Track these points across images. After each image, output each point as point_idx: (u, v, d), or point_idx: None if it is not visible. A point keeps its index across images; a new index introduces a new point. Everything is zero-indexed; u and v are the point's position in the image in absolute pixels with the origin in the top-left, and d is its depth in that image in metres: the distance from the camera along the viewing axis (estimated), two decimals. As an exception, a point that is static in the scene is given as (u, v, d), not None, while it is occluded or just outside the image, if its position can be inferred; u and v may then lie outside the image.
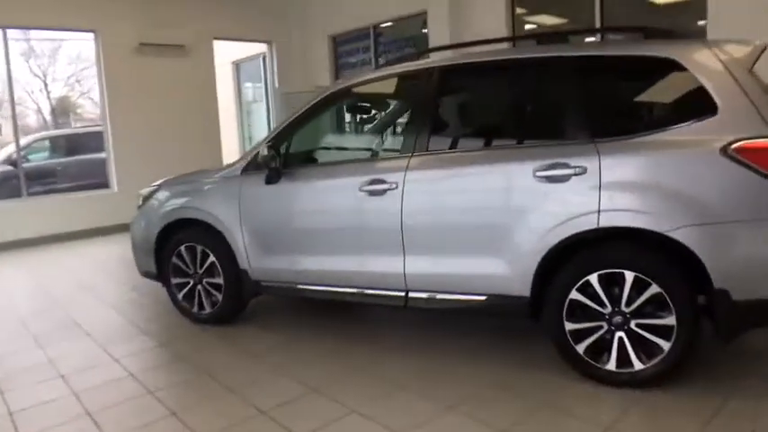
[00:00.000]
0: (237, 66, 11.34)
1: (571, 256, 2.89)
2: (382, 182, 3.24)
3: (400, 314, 3.94)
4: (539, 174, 2.87)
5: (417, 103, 3.39)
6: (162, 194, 4.22)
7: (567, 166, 2.82)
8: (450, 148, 3.29)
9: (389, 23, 9.02)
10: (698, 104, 2.69)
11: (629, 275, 2.75)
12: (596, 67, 3.01)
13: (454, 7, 7.63)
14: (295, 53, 10.10)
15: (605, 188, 2.75)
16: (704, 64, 2.73)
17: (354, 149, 4.19)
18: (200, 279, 4.02)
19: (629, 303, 2.77)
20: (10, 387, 3.22)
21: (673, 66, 2.78)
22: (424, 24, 8.31)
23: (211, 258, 3.92)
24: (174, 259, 4.10)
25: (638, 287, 2.74)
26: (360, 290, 3.43)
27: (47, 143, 9.29)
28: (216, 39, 9.19)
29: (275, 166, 3.54)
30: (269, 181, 3.59)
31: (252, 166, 3.77)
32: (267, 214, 3.68)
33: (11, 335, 4.14)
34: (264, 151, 3.45)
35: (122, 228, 8.26)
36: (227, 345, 3.69)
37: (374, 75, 3.70)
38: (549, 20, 7.92)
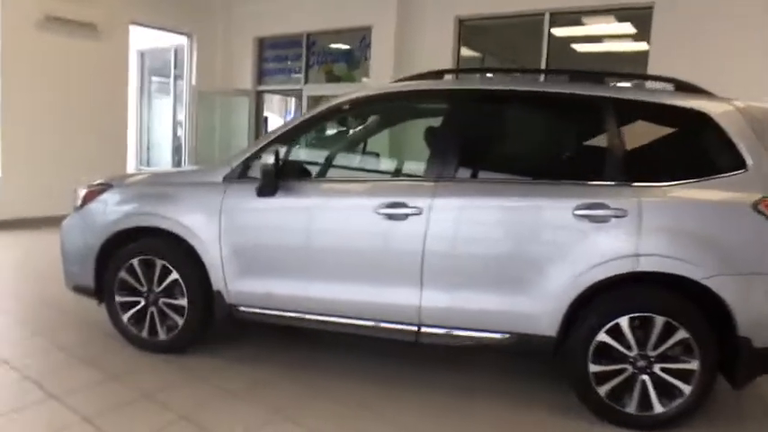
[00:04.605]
0: (143, 55, 10.35)
1: (599, 298, 2.84)
2: (404, 205, 2.97)
3: (383, 347, 3.63)
4: (578, 212, 2.80)
5: (445, 126, 3.18)
6: (113, 195, 3.58)
7: (607, 207, 2.78)
8: (478, 177, 3.11)
9: (326, 33, 8.72)
10: (728, 159, 2.80)
11: (660, 320, 2.75)
12: (635, 112, 3.03)
13: (401, 26, 7.56)
14: (216, 51, 9.42)
15: (645, 232, 2.74)
16: (735, 122, 2.84)
17: (362, 167, 3.86)
18: (156, 299, 3.44)
19: (655, 347, 2.77)
20: None
21: (707, 120, 2.86)
22: (365, 39, 8.15)
23: (174, 276, 3.37)
24: (123, 273, 3.48)
25: (666, 331, 2.75)
26: (362, 321, 3.11)
27: None
28: (133, 23, 8.29)
29: (273, 177, 3.12)
30: (263, 193, 3.17)
31: (237, 173, 3.32)
32: (258, 231, 3.24)
33: None
34: (269, 160, 3.03)
35: (8, 224, 7.12)
36: (196, 380, 3.15)
37: (395, 89, 3.39)
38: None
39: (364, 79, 8.44)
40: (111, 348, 3.52)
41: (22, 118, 7.33)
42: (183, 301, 3.37)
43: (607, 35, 7.29)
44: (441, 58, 7.42)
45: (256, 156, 3.27)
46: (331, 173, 3.71)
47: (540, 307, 2.86)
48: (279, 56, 9.23)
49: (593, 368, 2.84)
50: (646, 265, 2.73)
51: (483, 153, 3.31)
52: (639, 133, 3.10)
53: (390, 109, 3.80)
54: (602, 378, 2.84)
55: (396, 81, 3.39)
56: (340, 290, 3.12)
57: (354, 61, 8.59)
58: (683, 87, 3.11)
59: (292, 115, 12.43)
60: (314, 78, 8.95)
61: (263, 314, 3.27)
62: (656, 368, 2.78)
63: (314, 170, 3.41)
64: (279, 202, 3.18)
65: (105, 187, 3.64)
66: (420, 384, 3.21)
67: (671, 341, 2.75)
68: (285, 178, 3.18)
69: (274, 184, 3.14)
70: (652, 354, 2.78)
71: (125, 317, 3.52)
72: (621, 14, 6.78)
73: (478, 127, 3.29)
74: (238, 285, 3.27)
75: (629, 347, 2.80)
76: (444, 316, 3.00)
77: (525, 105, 3.22)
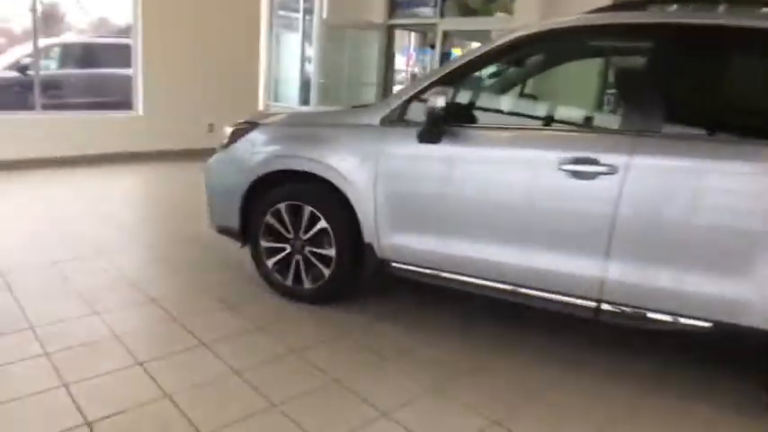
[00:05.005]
0: (273, -11, 10.16)
1: None
2: (594, 162, 2.49)
3: (541, 321, 3.23)
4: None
5: (653, 69, 2.60)
6: (260, 135, 3.39)
7: None
8: (690, 134, 2.54)
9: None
10: None
11: None
12: None
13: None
14: (347, -19, 9.03)
15: None
16: None
17: (537, 114, 3.39)
18: (302, 246, 3.27)
19: None
20: (75, 377, 2.44)
21: None
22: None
23: (322, 224, 3.16)
24: (269, 218, 3.32)
25: None
26: (532, 291, 2.74)
27: (58, 51, 8.11)
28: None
29: (441, 122, 2.76)
30: (426, 139, 2.81)
31: (396, 115, 2.98)
32: (418, 181, 2.91)
33: (53, 292, 3.34)
34: (440, 103, 2.65)
35: (146, 156, 7.42)
36: (343, 337, 2.95)
37: (587, 22, 2.76)
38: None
39: (499, 14, 7.72)
40: (255, 294, 3.41)
41: (162, 53, 7.48)
42: (331, 252, 3.17)
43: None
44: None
45: (418, 96, 2.91)
46: (501, 119, 3.26)
47: (755, 295, 2.32)
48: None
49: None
50: None
51: (699, 105, 2.69)
52: None
53: (578, 46, 3.21)
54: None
55: (587, 13, 2.83)
56: (506, 253, 2.73)
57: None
58: None
59: (411, 52, 11.91)
60: (448, 12, 8.32)
61: (418, 272, 2.99)
62: None
63: (480, 115, 2.98)
64: (444, 150, 2.80)
65: (252, 126, 3.46)
66: (594, 369, 2.79)
67: None
68: (452, 123, 2.80)
69: (440, 129, 2.77)
70: None
71: (269, 263, 3.39)
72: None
73: (698, 72, 2.64)
74: (392, 239, 2.99)
75: None
76: (632, 293, 2.53)
77: (762, 47, 2.55)
